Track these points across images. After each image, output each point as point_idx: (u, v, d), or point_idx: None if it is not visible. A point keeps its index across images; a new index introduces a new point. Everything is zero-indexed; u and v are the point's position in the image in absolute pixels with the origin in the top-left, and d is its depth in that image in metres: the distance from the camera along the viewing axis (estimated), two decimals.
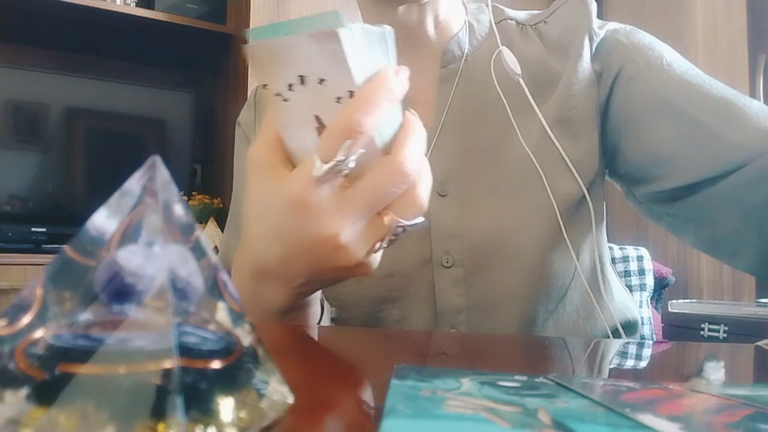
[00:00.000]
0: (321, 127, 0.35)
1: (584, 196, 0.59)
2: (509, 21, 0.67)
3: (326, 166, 0.34)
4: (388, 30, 0.35)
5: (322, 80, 0.33)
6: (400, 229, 0.37)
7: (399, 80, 0.35)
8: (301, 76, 0.33)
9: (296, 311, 0.44)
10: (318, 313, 0.48)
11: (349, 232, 0.36)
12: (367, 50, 0.33)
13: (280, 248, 0.37)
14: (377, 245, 0.37)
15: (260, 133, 0.38)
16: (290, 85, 0.34)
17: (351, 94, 0.33)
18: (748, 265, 0.55)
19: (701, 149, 0.54)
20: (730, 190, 0.52)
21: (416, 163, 0.36)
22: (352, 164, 0.34)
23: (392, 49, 0.36)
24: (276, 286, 0.40)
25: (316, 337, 0.42)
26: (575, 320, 0.62)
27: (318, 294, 0.47)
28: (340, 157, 0.33)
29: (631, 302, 0.70)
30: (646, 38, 0.62)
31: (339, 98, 0.34)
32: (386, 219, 0.36)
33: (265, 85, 0.35)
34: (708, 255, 0.58)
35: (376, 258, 0.39)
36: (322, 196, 0.35)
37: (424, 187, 0.37)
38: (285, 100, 0.35)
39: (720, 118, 0.54)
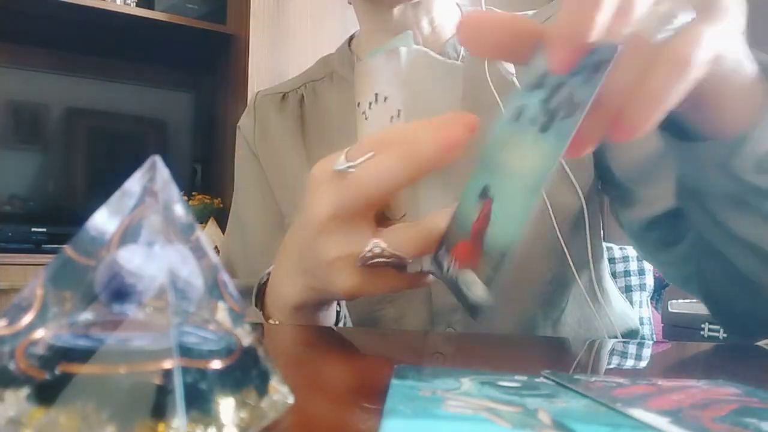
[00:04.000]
0: None
1: (582, 206, 0.59)
2: None
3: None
4: (458, 65, 0.34)
5: (386, 98, 0.33)
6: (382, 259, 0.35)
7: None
8: (377, 94, 0.34)
9: (309, 310, 0.43)
10: (332, 318, 0.47)
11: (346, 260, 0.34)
12: (428, 76, 0.33)
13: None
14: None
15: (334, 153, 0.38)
16: (370, 103, 0.34)
17: (399, 113, 0.33)
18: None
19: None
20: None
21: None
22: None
23: (458, 87, 0.34)
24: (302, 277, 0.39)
25: (316, 338, 0.42)
26: (576, 330, 0.62)
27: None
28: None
29: (630, 310, 0.70)
30: None
31: (392, 117, 0.33)
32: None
33: (358, 104, 0.35)
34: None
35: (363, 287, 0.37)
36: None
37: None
38: (366, 118, 0.35)
39: None
